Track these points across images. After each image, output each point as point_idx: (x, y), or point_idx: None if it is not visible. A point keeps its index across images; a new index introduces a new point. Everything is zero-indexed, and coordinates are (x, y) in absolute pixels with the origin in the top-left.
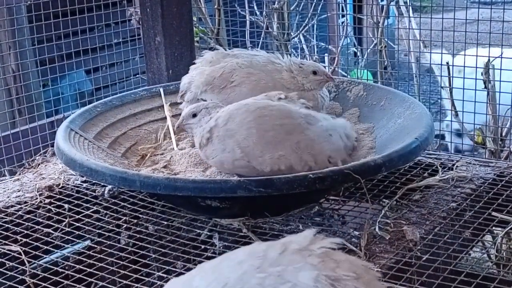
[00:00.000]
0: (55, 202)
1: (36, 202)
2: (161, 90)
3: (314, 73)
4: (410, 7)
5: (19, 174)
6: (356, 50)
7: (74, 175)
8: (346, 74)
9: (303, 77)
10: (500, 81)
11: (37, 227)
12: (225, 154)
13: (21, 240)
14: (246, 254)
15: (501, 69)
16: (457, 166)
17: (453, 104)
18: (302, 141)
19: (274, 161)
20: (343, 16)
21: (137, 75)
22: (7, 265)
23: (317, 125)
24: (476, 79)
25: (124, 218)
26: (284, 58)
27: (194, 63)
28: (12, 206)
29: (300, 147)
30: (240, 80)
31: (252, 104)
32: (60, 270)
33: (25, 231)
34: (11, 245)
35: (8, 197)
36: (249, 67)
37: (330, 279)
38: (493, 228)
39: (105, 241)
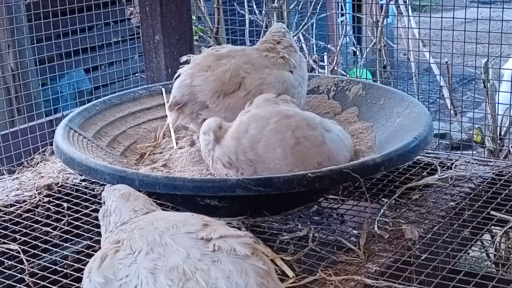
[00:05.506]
0: (54, 201)
1: (35, 201)
2: (163, 89)
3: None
4: (409, 6)
5: (18, 173)
6: (355, 49)
7: (73, 174)
8: (345, 73)
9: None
10: (499, 80)
11: (36, 225)
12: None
13: (20, 238)
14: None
15: (500, 68)
16: (456, 165)
17: (452, 104)
18: (324, 154)
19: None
20: (342, 15)
21: (136, 74)
22: (6, 264)
23: (332, 131)
24: None
25: None
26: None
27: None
28: (11, 205)
29: (322, 165)
30: (250, 88)
31: (268, 117)
32: (59, 269)
33: (24, 230)
34: (10, 244)
35: (7, 195)
36: (254, 70)
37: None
38: (492, 227)
39: None
